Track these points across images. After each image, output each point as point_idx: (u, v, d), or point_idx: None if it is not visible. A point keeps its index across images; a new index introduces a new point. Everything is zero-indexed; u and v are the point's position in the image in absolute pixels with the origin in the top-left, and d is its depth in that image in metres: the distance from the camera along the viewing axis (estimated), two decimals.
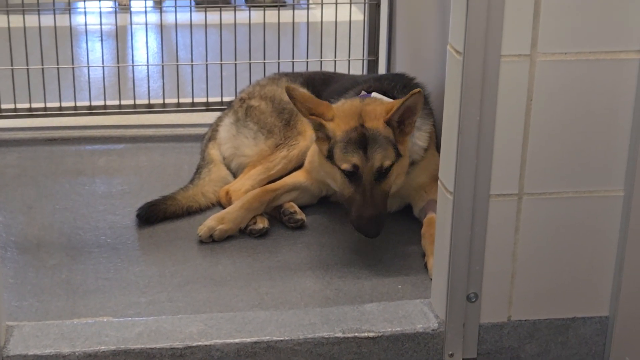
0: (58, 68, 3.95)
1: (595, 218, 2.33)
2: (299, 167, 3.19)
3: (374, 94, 2.96)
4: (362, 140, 2.78)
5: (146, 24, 4.08)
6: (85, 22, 4.04)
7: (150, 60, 4.85)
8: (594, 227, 2.34)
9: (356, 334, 2.37)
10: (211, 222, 2.98)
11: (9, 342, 2.29)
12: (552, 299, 2.40)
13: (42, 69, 3.87)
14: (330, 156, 2.82)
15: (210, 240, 2.96)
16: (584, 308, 2.42)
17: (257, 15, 4.10)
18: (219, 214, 3.02)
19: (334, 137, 2.81)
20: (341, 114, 2.83)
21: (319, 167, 2.94)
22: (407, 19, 3.73)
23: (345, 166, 2.78)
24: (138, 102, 3.97)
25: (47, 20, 3.91)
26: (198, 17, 4.21)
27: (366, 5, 3.98)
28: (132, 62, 4.32)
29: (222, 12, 3.87)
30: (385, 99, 2.94)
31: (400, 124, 2.80)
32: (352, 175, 2.79)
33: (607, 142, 2.27)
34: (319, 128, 2.85)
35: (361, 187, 2.77)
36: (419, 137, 2.97)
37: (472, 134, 2.21)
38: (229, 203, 3.13)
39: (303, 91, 2.95)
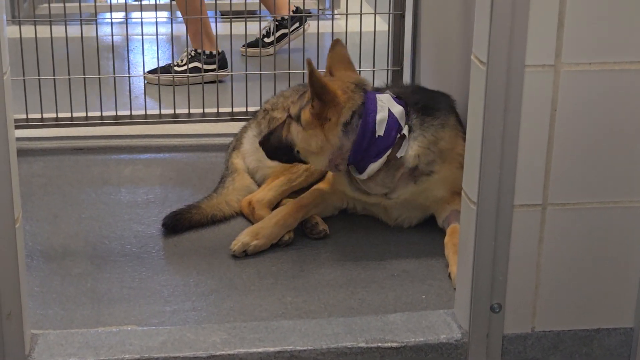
0: (84, 78, 3.98)
1: (620, 229, 2.32)
2: (319, 179, 3.20)
3: (387, 93, 3.02)
4: None
5: (172, 35, 4.10)
6: (112, 32, 4.07)
7: None
8: (618, 238, 2.33)
9: (379, 344, 2.36)
10: (245, 237, 2.97)
11: (33, 350, 2.30)
12: (577, 309, 2.39)
13: (69, 79, 3.90)
14: None
15: (244, 256, 2.96)
16: (609, 319, 2.41)
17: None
18: (252, 229, 3.01)
19: None
20: None
21: None
22: (432, 30, 3.73)
23: None
24: (164, 112, 3.99)
25: (73, 30, 3.94)
26: (223, 27, 4.23)
27: (391, 15, 3.99)
28: (159, 72, 4.34)
29: (247, 23, 3.88)
30: (394, 101, 2.96)
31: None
32: None
33: (631, 152, 2.26)
34: None
35: None
36: (410, 146, 2.96)
37: (496, 144, 2.21)
38: (252, 213, 3.15)
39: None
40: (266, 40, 4.86)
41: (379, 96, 2.94)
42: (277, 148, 3.03)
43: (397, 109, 2.93)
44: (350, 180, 3.06)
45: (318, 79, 2.84)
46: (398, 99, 2.99)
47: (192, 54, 4.49)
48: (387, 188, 2.99)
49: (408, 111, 2.97)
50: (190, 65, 4.45)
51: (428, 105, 3.02)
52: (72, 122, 3.91)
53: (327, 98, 2.86)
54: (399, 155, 2.92)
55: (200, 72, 4.26)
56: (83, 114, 3.92)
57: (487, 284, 2.32)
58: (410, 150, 2.94)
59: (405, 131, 2.93)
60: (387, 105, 2.91)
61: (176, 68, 4.47)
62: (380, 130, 2.88)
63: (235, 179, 3.31)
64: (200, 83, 4.07)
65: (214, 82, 4.13)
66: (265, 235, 2.98)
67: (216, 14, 4.39)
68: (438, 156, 2.96)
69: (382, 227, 3.15)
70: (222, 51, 4.50)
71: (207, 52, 4.47)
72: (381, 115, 2.89)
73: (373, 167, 2.91)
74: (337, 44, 3.12)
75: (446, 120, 3.01)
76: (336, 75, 3.03)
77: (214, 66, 4.38)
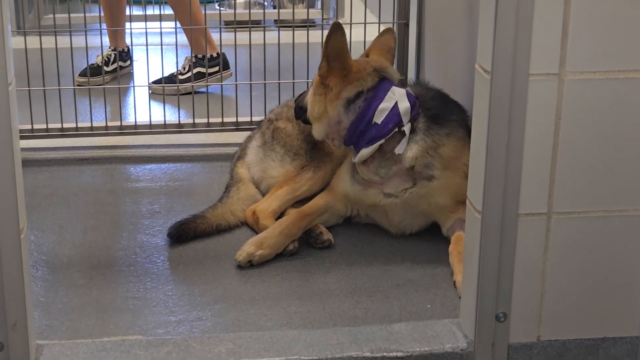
0: (89, 88, 3.99)
1: (625, 237, 2.32)
2: (323, 188, 3.20)
3: (406, 88, 3.05)
4: None
5: (176, 45, 4.11)
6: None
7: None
8: (623, 247, 2.33)
9: (384, 354, 2.36)
10: (250, 247, 2.96)
11: None
12: (582, 318, 2.38)
13: (74, 89, 3.90)
14: None
15: (249, 266, 2.96)
16: (614, 328, 2.41)
17: (286, 35, 4.12)
18: (257, 239, 3.00)
19: None
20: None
21: None
22: (436, 39, 3.74)
23: None
24: (168, 122, 4.00)
25: (78, 41, 3.94)
26: (227, 37, 4.24)
27: (395, 25, 3.99)
28: (163, 82, 4.34)
29: (252, 32, 3.89)
30: (406, 97, 2.97)
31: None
32: None
33: (636, 161, 2.25)
34: None
35: None
36: (410, 147, 2.97)
37: (501, 153, 2.20)
38: (256, 223, 3.15)
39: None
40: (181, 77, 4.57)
41: (393, 88, 2.97)
42: (300, 107, 3.16)
43: (404, 105, 2.94)
44: (352, 171, 3.10)
45: (337, 43, 2.94)
46: (415, 99, 3.00)
47: (194, 60, 4.49)
48: (380, 177, 3.02)
49: (418, 113, 2.98)
50: (194, 71, 4.45)
51: (439, 114, 3.03)
52: (77, 133, 3.92)
53: (335, 65, 2.96)
54: (397, 151, 2.95)
55: (205, 77, 4.27)
56: (88, 124, 3.93)
57: (492, 293, 2.32)
58: (409, 152, 2.96)
59: (406, 129, 2.94)
60: (396, 99, 2.94)
61: (180, 77, 4.47)
62: (378, 118, 2.94)
63: (240, 188, 3.32)
64: (205, 89, 4.07)
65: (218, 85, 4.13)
66: (269, 245, 2.98)
67: (220, 24, 4.39)
68: (438, 161, 2.97)
69: (387, 236, 3.15)
70: (223, 52, 4.51)
71: (209, 55, 4.48)
72: (385, 105, 2.93)
73: (364, 152, 2.98)
74: (388, 32, 3.22)
75: (454, 130, 3.02)
76: (370, 57, 3.11)
77: (217, 68, 4.39)
